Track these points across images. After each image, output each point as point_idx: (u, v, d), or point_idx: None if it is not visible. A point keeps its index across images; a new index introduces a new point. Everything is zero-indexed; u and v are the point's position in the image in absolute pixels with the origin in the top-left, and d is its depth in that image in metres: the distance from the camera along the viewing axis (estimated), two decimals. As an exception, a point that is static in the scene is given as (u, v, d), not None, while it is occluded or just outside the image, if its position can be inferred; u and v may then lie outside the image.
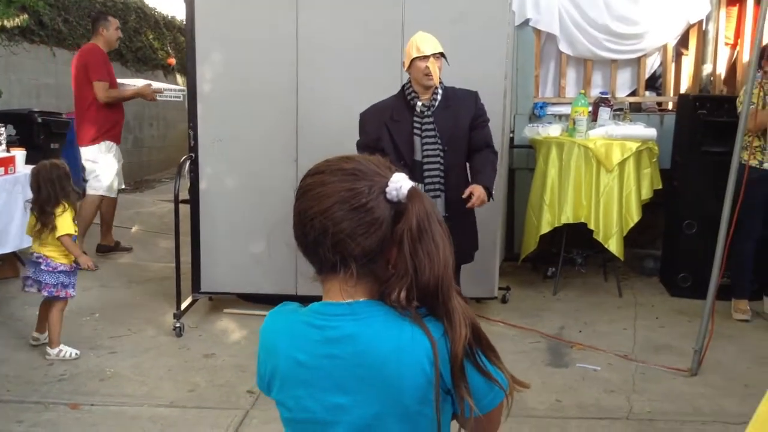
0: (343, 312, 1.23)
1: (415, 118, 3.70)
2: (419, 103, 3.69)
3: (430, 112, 3.69)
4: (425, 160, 3.67)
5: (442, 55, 3.64)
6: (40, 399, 3.55)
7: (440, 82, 3.71)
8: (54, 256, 4.00)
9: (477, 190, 3.54)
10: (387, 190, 1.20)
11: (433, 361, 1.17)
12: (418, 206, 1.19)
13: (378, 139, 3.70)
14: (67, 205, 3.99)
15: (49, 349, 4.07)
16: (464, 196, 3.55)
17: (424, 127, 3.68)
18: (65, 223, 3.98)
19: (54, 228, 3.92)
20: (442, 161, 3.68)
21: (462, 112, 3.73)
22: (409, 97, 3.72)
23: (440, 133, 3.67)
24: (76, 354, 4.09)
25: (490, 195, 3.66)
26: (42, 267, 3.97)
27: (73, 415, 3.42)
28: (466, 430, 1.29)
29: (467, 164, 3.82)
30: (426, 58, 3.59)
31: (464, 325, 1.18)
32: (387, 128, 3.70)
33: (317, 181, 1.23)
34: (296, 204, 1.26)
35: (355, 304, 1.23)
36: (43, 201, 3.96)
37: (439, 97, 3.71)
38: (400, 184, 1.20)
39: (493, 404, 1.26)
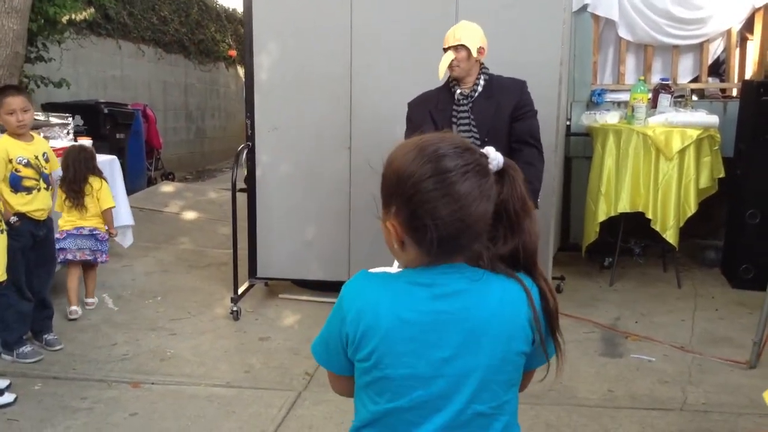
0: (449, 270, 1.26)
1: (454, 107, 3.69)
2: (458, 92, 3.68)
3: (467, 101, 3.67)
4: None
5: (466, 46, 3.56)
6: (104, 377, 3.70)
7: (482, 72, 3.66)
8: (101, 227, 4.59)
9: None
10: (490, 167, 1.25)
11: (529, 312, 1.26)
12: (517, 174, 1.27)
13: (420, 127, 3.67)
14: (98, 182, 4.56)
15: (89, 300, 4.72)
16: None
17: (459, 116, 3.67)
18: (108, 197, 4.61)
19: (83, 205, 4.48)
20: None
21: (504, 102, 3.65)
22: (450, 85, 3.72)
23: (479, 123, 3.64)
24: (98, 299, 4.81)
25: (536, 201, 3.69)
26: (99, 238, 4.56)
27: (134, 393, 3.55)
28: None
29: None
30: (445, 50, 3.59)
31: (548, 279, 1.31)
32: (432, 117, 3.69)
33: (455, 179, 1.20)
34: (427, 210, 1.20)
35: (459, 264, 1.27)
36: (71, 179, 4.47)
37: (479, 88, 3.66)
38: (498, 158, 1.26)
39: (546, 360, 1.34)
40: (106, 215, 4.59)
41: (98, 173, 4.58)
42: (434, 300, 1.24)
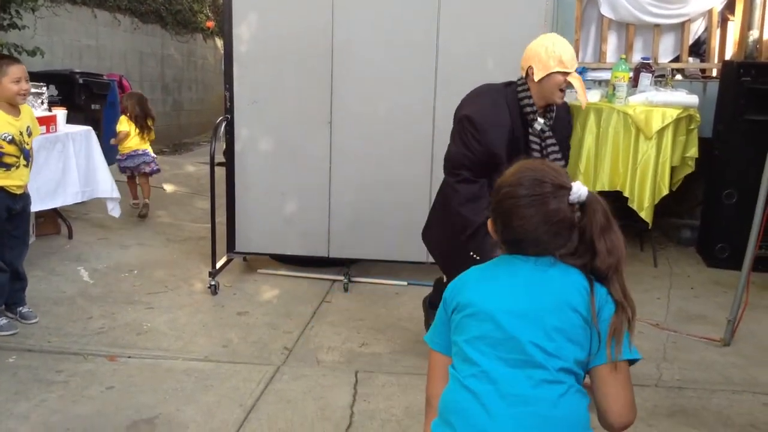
0: (524, 258, 1.65)
1: (533, 138, 3.17)
2: (541, 121, 3.15)
3: (550, 133, 3.20)
4: None
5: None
6: (79, 350, 3.67)
7: None
8: (150, 150, 6.57)
9: None
10: (570, 198, 1.58)
11: (587, 295, 1.58)
12: (598, 206, 1.60)
13: (497, 154, 3.07)
14: (150, 120, 6.58)
15: (146, 200, 6.50)
16: None
17: (549, 149, 3.19)
18: (152, 132, 6.62)
19: (149, 131, 6.57)
20: None
21: (563, 132, 3.31)
22: (525, 110, 3.14)
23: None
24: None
25: None
26: (149, 156, 6.51)
27: (111, 366, 3.52)
28: (598, 384, 1.59)
29: None
30: (568, 74, 3.07)
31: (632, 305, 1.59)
32: (508, 148, 3.09)
33: (519, 204, 1.60)
34: (503, 219, 1.64)
35: (545, 259, 1.64)
36: (138, 117, 6.45)
37: (553, 114, 3.22)
38: (580, 192, 1.59)
39: (634, 354, 1.59)
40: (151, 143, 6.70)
41: (151, 113, 6.66)
42: (514, 272, 1.63)
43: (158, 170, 6.66)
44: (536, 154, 3.14)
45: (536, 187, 1.59)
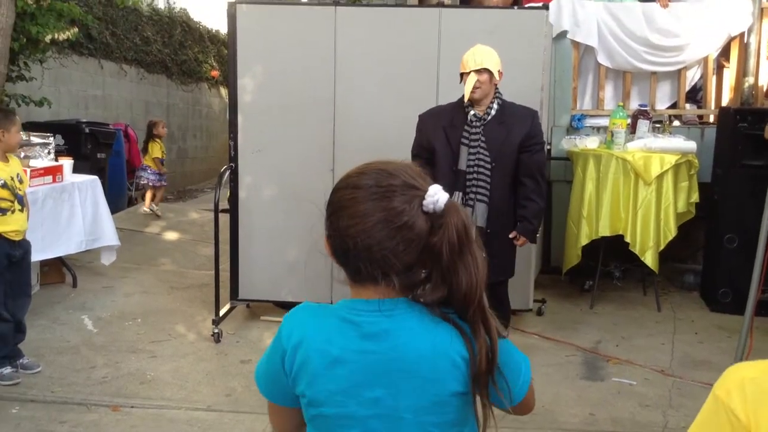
0: (378, 309, 1.25)
1: (466, 127, 3.71)
2: (471, 113, 3.70)
3: (479, 124, 3.70)
4: (468, 170, 3.69)
5: (489, 69, 3.61)
6: (83, 400, 3.66)
7: (496, 96, 3.72)
8: (153, 166, 8.47)
9: (521, 240, 3.76)
10: (424, 203, 1.22)
11: (466, 357, 1.23)
12: (456, 219, 1.22)
13: (430, 141, 3.77)
14: (154, 142, 8.51)
15: (155, 207, 8.26)
16: (511, 236, 3.74)
17: (471, 137, 3.70)
18: (155, 150, 8.50)
19: (147, 152, 8.59)
20: (488, 174, 3.68)
21: (515, 130, 3.70)
22: (465, 106, 3.73)
23: (489, 146, 3.68)
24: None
25: (534, 238, 3.87)
26: (154, 172, 8.42)
27: (114, 416, 3.51)
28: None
29: (516, 187, 3.79)
30: (467, 74, 3.62)
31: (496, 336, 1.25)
32: (445, 133, 3.74)
33: (355, 197, 1.23)
34: (333, 219, 1.26)
35: (389, 301, 1.25)
36: (145, 140, 8.62)
37: (493, 111, 3.71)
38: (437, 197, 1.22)
39: (524, 385, 1.32)
40: (156, 160, 8.52)
41: (154, 138, 8.55)
42: (362, 339, 1.25)
43: (152, 184, 8.38)
44: (464, 141, 3.71)
45: (382, 179, 1.23)
